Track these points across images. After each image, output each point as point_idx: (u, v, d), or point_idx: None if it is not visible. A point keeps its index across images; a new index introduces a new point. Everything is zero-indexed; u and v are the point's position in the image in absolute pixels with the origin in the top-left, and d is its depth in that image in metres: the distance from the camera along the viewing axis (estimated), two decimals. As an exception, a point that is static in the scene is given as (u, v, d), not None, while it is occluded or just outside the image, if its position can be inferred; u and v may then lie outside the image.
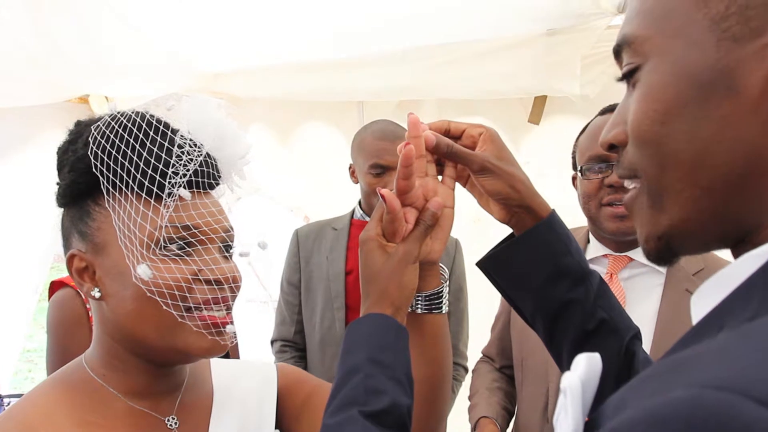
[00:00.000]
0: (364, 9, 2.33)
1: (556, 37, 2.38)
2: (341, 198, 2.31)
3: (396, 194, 0.82)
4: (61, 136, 0.89)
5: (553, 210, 0.89)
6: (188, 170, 0.82)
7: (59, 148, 0.88)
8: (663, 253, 0.59)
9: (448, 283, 0.91)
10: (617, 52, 0.61)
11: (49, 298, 1.82)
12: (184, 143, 0.84)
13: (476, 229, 2.29)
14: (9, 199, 2.77)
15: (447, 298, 0.91)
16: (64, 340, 1.72)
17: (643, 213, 0.59)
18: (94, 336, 0.89)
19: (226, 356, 2.20)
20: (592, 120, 1.65)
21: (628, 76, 0.59)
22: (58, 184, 0.88)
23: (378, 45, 2.59)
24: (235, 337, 0.86)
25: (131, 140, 0.81)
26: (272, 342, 2.34)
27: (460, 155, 0.85)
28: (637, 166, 0.58)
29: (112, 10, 2.28)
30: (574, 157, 1.68)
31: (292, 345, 2.29)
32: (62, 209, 0.89)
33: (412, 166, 0.81)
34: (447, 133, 0.88)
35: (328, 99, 2.99)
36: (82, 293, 0.86)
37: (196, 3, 2.32)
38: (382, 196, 0.81)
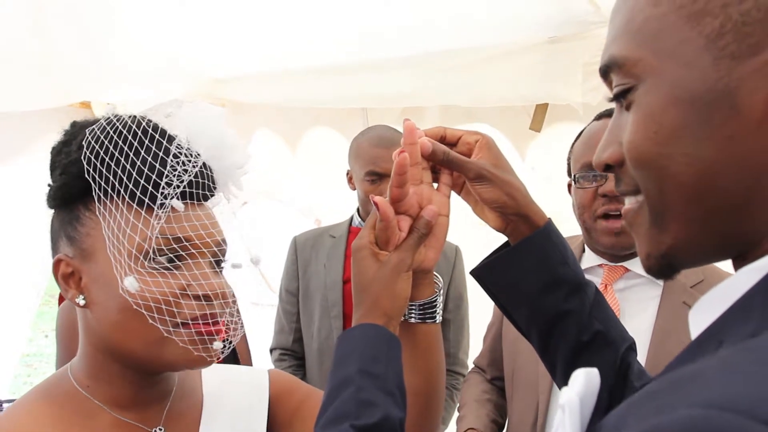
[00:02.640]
0: (367, 16, 2.33)
1: (558, 45, 2.38)
2: (349, 203, 2.30)
3: (389, 202, 0.81)
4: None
5: (550, 219, 0.87)
6: (182, 181, 0.81)
7: (53, 148, 0.87)
8: (664, 269, 0.58)
9: (442, 291, 0.90)
10: (605, 73, 0.59)
11: (59, 304, 1.83)
12: (180, 152, 0.82)
13: (479, 233, 2.28)
14: (11, 203, 2.78)
15: (441, 307, 0.90)
16: (71, 347, 1.72)
17: (644, 230, 0.58)
18: (80, 346, 0.87)
19: (236, 361, 2.20)
20: (587, 126, 1.63)
21: (620, 96, 0.57)
22: (49, 185, 0.86)
23: (381, 52, 2.59)
24: (222, 353, 0.84)
25: (125, 147, 0.80)
26: (271, 350, 2.34)
27: (455, 162, 0.84)
28: (639, 183, 0.57)
29: (115, 16, 2.29)
30: (569, 164, 1.66)
31: (291, 353, 2.28)
32: (53, 211, 0.88)
33: (407, 174, 0.80)
34: (443, 139, 0.87)
35: (331, 105, 2.99)
36: (66, 299, 0.85)
37: (199, 9, 2.32)
38: (375, 204, 0.80)
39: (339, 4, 2.27)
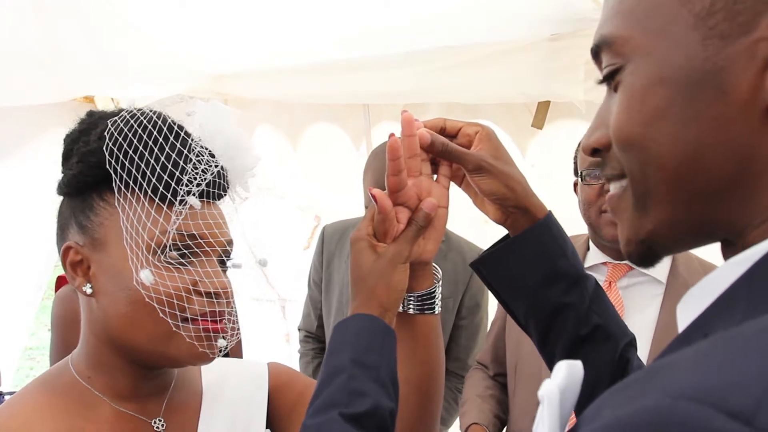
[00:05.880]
0: (370, 12, 2.32)
1: (560, 42, 2.37)
2: (349, 198, 2.31)
3: (388, 192, 0.81)
4: (66, 135, 0.88)
5: (550, 211, 0.87)
6: (204, 179, 0.82)
7: (68, 136, 0.87)
8: (644, 255, 0.57)
9: (440, 283, 0.90)
10: (596, 54, 0.59)
11: (56, 292, 1.84)
12: (203, 152, 0.83)
13: (485, 229, 2.28)
14: (14, 197, 2.78)
15: (440, 298, 0.90)
16: (66, 336, 1.73)
17: (627, 214, 0.57)
18: (81, 336, 0.88)
19: (226, 355, 2.22)
20: None
21: (609, 78, 0.57)
22: (63, 172, 0.86)
23: (383, 48, 2.59)
24: (223, 350, 0.85)
25: (150, 142, 0.80)
26: (299, 330, 2.41)
27: (455, 154, 0.83)
28: (624, 166, 0.56)
29: (117, 13, 2.29)
30: (575, 163, 1.68)
31: (315, 337, 2.35)
32: (62, 198, 0.88)
33: (401, 159, 0.79)
34: (442, 131, 0.86)
35: (332, 102, 2.99)
36: (73, 287, 0.85)
37: (201, 5, 2.32)
38: (373, 197, 0.80)
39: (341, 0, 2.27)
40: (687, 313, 0.51)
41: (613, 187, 0.60)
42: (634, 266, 1.55)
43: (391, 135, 0.79)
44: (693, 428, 0.34)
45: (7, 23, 2.22)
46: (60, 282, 1.85)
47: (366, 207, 2.06)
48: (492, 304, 2.12)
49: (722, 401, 0.35)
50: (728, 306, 0.46)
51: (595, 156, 0.61)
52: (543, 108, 2.73)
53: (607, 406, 0.42)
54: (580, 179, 1.61)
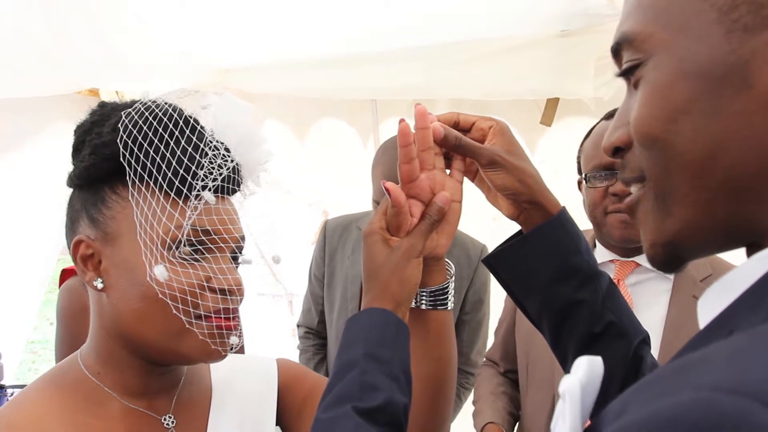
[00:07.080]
0: (378, 7, 2.31)
1: (570, 39, 2.36)
2: (356, 193, 2.29)
3: (401, 183, 0.80)
4: (71, 128, 0.86)
5: (564, 207, 0.86)
6: (221, 174, 0.80)
7: (79, 127, 0.85)
8: (670, 259, 0.56)
9: (453, 278, 0.89)
10: (616, 51, 0.58)
11: (60, 286, 1.82)
12: (220, 146, 0.82)
13: (495, 227, 2.26)
14: (17, 191, 2.77)
15: (452, 293, 0.89)
16: (73, 329, 1.72)
17: (649, 218, 0.56)
18: (91, 331, 0.86)
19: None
20: (596, 125, 1.63)
21: (629, 73, 0.56)
22: (73, 164, 0.84)
23: (391, 43, 2.58)
24: (235, 347, 0.84)
25: (165, 135, 0.78)
26: (298, 326, 2.38)
27: (468, 148, 0.82)
28: (644, 168, 0.55)
29: (123, 6, 2.28)
30: (579, 162, 1.66)
31: (315, 333, 2.32)
32: (73, 190, 0.86)
33: (412, 146, 0.78)
34: (456, 125, 0.85)
35: (340, 96, 2.98)
36: (84, 281, 0.83)
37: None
38: (387, 190, 0.79)
39: (350, -6, 2.26)
40: (709, 309, 0.50)
41: (634, 191, 0.59)
42: (641, 263, 1.55)
43: (401, 120, 0.78)
44: (734, 420, 0.34)
45: (13, 16, 2.21)
46: (64, 275, 1.83)
47: (374, 202, 2.04)
48: (494, 300, 2.11)
49: (761, 393, 0.35)
50: (754, 302, 0.45)
51: (616, 156, 0.60)
52: (552, 105, 2.72)
53: (633, 403, 0.41)
54: (584, 181, 1.60)
